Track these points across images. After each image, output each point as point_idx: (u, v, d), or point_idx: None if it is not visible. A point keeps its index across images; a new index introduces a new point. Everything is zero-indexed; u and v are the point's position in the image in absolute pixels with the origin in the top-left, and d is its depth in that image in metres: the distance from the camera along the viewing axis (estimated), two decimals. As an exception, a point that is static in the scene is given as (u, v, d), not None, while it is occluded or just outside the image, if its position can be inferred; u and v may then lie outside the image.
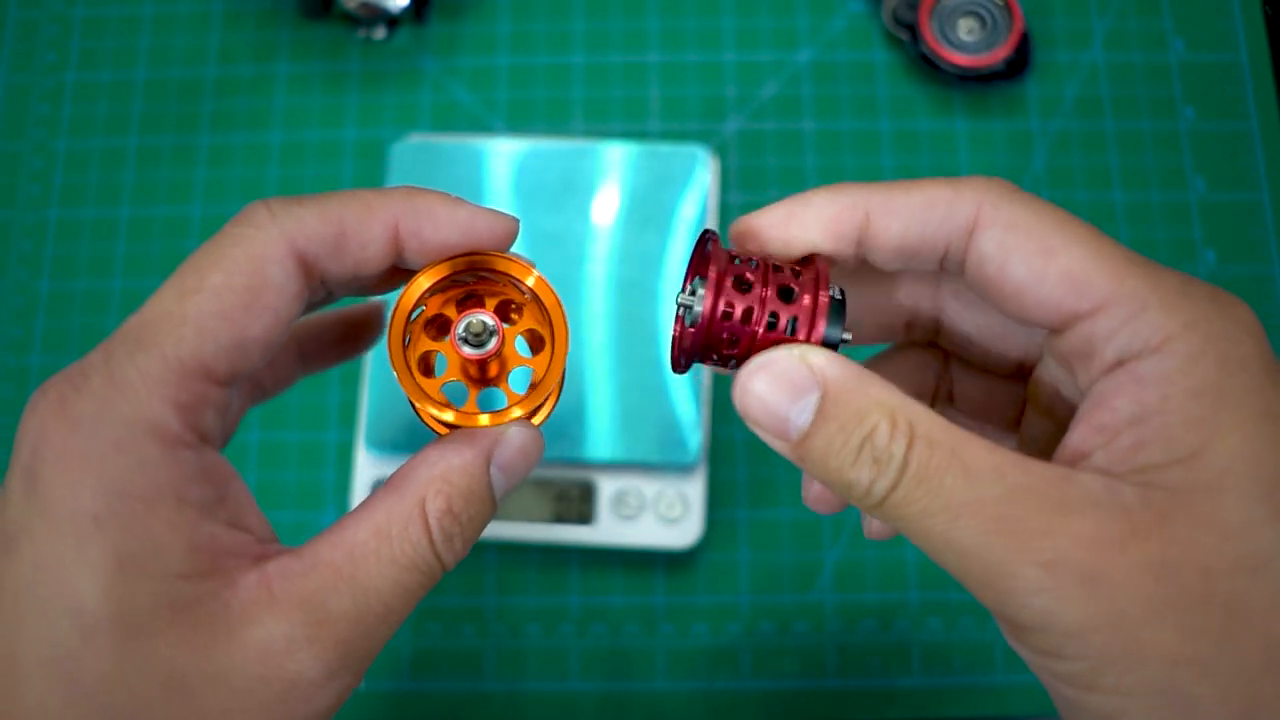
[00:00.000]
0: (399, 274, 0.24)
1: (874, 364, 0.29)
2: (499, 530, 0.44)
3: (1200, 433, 0.20)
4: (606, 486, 0.45)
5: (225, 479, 0.22)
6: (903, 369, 0.28)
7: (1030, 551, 0.19)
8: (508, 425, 0.23)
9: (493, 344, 0.23)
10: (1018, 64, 0.49)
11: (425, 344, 0.24)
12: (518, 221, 0.24)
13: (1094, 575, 0.19)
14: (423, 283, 0.24)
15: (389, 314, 0.24)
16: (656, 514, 0.44)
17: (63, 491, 0.20)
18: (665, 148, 0.47)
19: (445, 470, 0.23)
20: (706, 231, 0.24)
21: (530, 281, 0.24)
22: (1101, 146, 0.50)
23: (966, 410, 0.28)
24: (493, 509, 0.24)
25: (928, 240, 0.23)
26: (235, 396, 0.23)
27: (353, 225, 0.23)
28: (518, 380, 0.25)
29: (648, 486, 0.45)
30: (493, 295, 0.25)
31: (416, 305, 0.24)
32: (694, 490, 0.45)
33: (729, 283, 0.22)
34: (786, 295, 0.23)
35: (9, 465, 0.21)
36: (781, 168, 0.50)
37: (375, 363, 0.45)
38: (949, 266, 0.23)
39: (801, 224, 0.23)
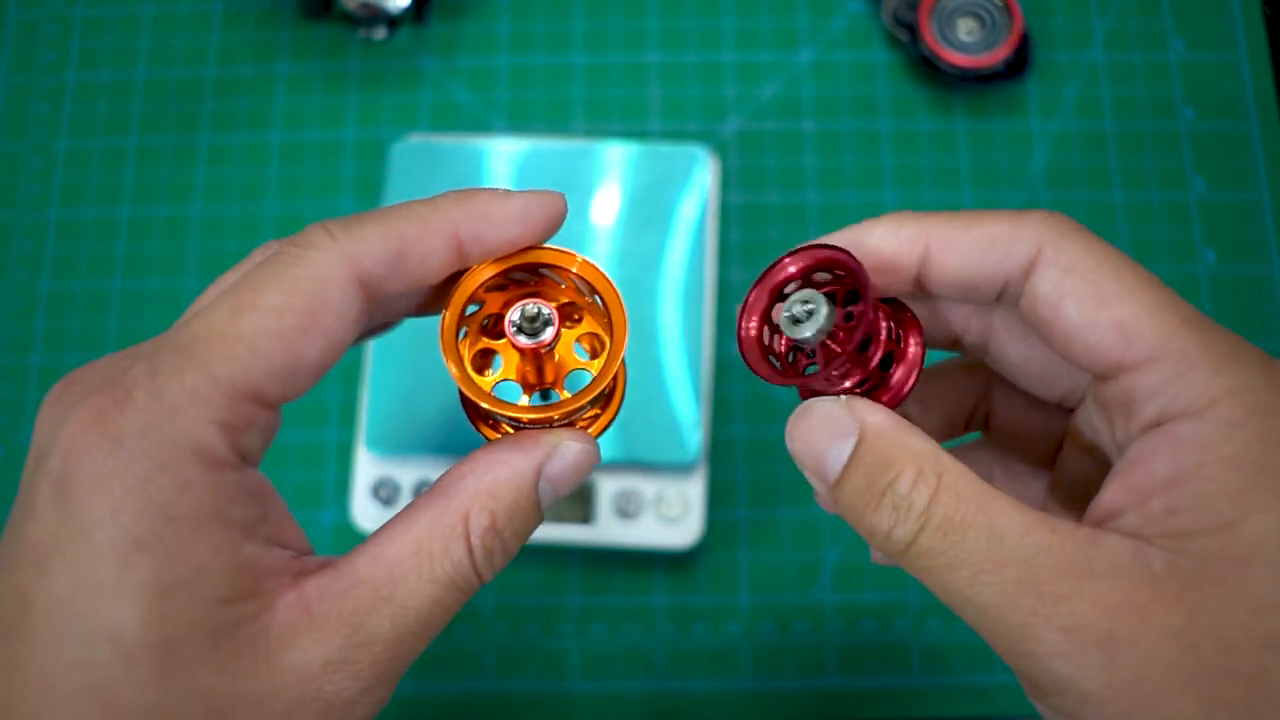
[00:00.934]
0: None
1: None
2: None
3: (1236, 504, 0.19)
4: (606, 486, 0.45)
5: (266, 497, 0.22)
6: (944, 388, 0.28)
7: (1052, 615, 0.19)
8: (563, 438, 0.22)
9: (548, 333, 0.22)
10: (1018, 64, 0.49)
11: (481, 342, 0.23)
12: (563, 196, 0.23)
13: (1115, 642, 0.19)
14: (478, 276, 0.23)
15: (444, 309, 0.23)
16: (656, 514, 0.44)
17: (102, 512, 0.19)
18: (665, 148, 0.47)
19: (492, 484, 0.22)
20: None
21: (575, 269, 0.23)
22: (1101, 146, 0.50)
23: (1000, 437, 0.28)
24: (538, 522, 0.23)
25: (986, 277, 0.23)
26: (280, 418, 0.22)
27: (412, 240, 0.22)
28: (575, 387, 0.24)
29: (648, 486, 0.45)
30: (553, 297, 0.24)
31: (471, 300, 0.23)
32: (694, 490, 0.45)
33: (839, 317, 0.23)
34: (864, 348, 0.23)
35: (30, 474, 0.20)
36: (781, 168, 0.50)
37: (375, 363, 0.45)
38: (1005, 300, 0.23)
39: (861, 254, 0.23)
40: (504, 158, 0.47)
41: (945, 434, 0.29)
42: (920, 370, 0.23)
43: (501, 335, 0.24)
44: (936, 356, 0.27)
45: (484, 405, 0.22)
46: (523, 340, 0.22)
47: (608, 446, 0.44)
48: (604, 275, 0.23)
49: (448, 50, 0.52)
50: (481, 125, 0.51)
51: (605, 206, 0.46)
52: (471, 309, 0.23)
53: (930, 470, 0.21)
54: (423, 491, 0.23)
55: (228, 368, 0.20)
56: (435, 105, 0.52)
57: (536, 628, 0.46)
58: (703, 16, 0.53)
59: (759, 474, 0.47)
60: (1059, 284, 0.22)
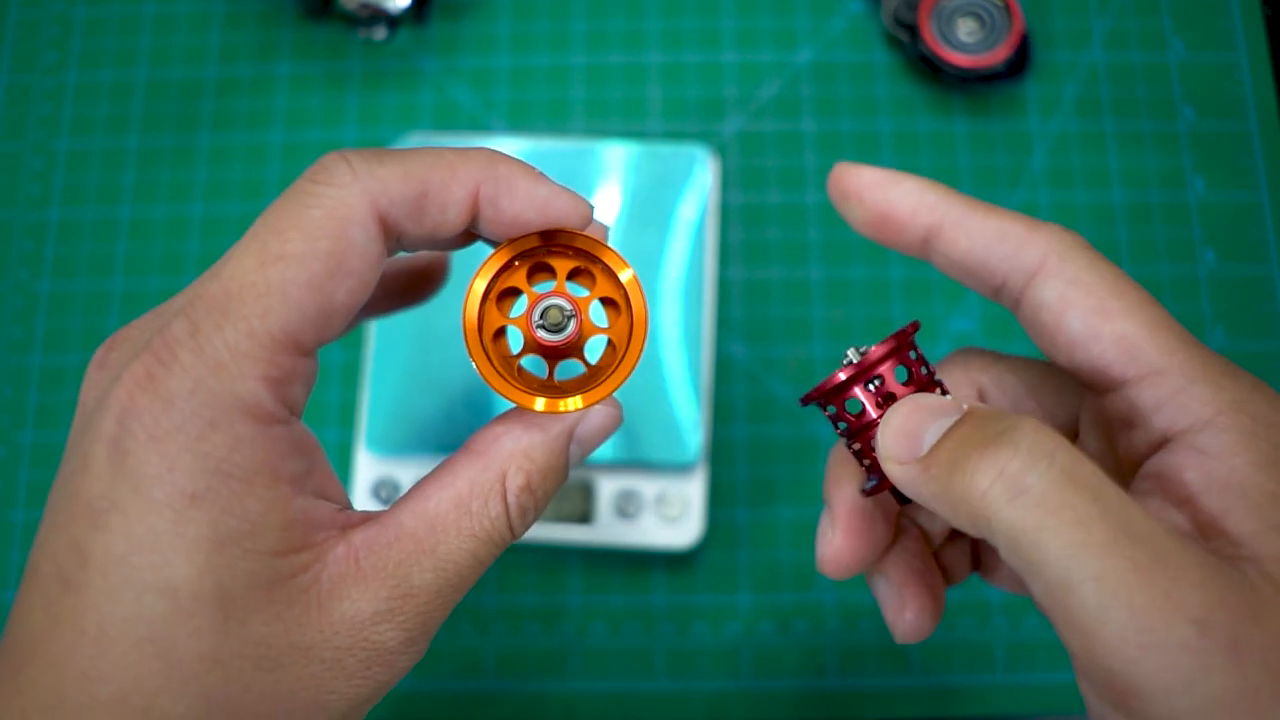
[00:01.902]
0: (469, 236, 0.24)
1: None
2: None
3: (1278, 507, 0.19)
4: (606, 486, 0.45)
5: (311, 450, 0.22)
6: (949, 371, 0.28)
7: (1185, 605, 0.18)
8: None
9: (571, 328, 0.23)
10: (1017, 64, 0.49)
11: (496, 318, 0.24)
12: (593, 208, 0.24)
13: (1238, 644, 0.18)
14: (496, 263, 0.23)
15: (464, 298, 0.23)
16: (656, 514, 0.44)
17: (159, 470, 0.19)
18: (665, 148, 0.47)
19: (529, 446, 0.23)
20: (916, 323, 0.24)
21: (625, 278, 0.23)
22: (1101, 147, 0.50)
23: None
24: (564, 482, 0.24)
25: (990, 269, 0.24)
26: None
27: (435, 187, 0.22)
28: (594, 349, 0.25)
29: (648, 486, 0.45)
30: (562, 262, 0.24)
31: (490, 285, 0.23)
32: (694, 490, 0.45)
33: (888, 365, 0.23)
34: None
35: (78, 434, 0.21)
36: (781, 168, 0.50)
37: (375, 362, 0.45)
38: (1003, 299, 0.24)
39: (886, 197, 0.25)
40: (504, 158, 0.47)
41: None
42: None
43: (511, 302, 0.24)
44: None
45: (517, 404, 0.23)
46: (547, 337, 0.23)
47: (607, 447, 0.44)
48: (639, 290, 0.23)
49: (448, 50, 0.52)
50: (481, 125, 0.51)
51: (605, 206, 0.46)
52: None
53: (1045, 429, 0.19)
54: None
55: (264, 321, 0.20)
56: (435, 105, 0.52)
57: (537, 627, 0.46)
58: (703, 16, 0.53)
59: (759, 474, 0.47)
60: (1064, 294, 0.22)
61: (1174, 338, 0.22)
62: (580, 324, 0.23)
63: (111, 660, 0.19)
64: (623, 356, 0.23)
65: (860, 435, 0.24)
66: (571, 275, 0.24)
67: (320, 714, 0.21)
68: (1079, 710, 0.44)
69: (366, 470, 0.45)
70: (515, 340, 0.24)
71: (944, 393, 0.24)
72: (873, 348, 0.23)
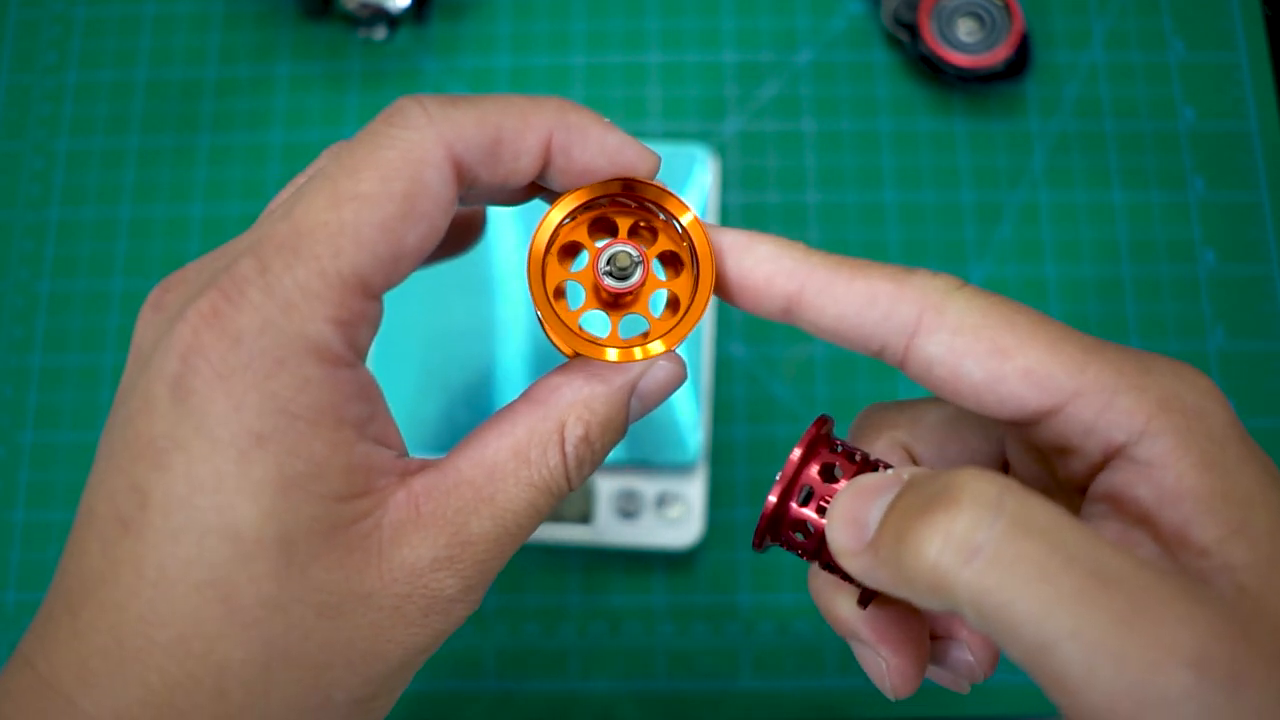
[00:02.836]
0: (531, 189, 0.24)
1: None
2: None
3: (1235, 507, 0.19)
4: (606, 486, 0.45)
5: (374, 395, 0.22)
6: (964, 444, 0.27)
7: (1178, 648, 0.16)
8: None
9: (638, 275, 0.23)
10: (1017, 64, 0.49)
11: (558, 273, 0.23)
12: (658, 159, 0.23)
13: (1239, 676, 0.16)
14: (559, 213, 0.23)
15: (526, 248, 0.23)
16: (656, 514, 0.44)
17: (225, 409, 0.19)
18: (665, 148, 0.47)
19: (589, 397, 0.22)
20: (824, 417, 0.24)
21: (686, 220, 0.23)
22: (1101, 146, 0.50)
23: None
24: (623, 437, 0.23)
25: (864, 335, 0.22)
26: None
27: (509, 133, 0.21)
28: (655, 303, 0.24)
29: (648, 486, 0.45)
30: (624, 217, 0.24)
31: (552, 239, 0.23)
32: (694, 490, 0.45)
33: (812, 470, 0.22)
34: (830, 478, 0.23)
35: (135, 376, 0.20)
36: (781, 168, 0.50)
37: (376, 363, 0.45)
38: (885, 359, 0.23)
39: (739, 263, 0.23)
40: (504, 158, 0.47)
41: None
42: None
43: (573, 259, 0.24)
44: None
45: (587, 355, 0.22)
46: (612, 284, 0.23)
47: (608, 446, 0.44)
48: (704, 232, 0.23)
49: (448, 50, 0.52)
50: (482, 125, 0.51)
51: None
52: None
53: (984, 475, 0.18)
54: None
55: (335, 262, 0.20)
56: (435, 105, 0.52)
57: (537, 627, 0.46)
58: (703, 16, 0.53)
59: (759, 474, 0.47)
60: (952, 346, 0.21)
61: (1079, 351, 0.20)
62: (646, 271, 0.23)
63: (171, 604, 0.19)
64: (690, 302, 0.23)
65: (824, 549, 0.22)
66: (630, 233, 0.24)
67: (378, 663, 0.21)
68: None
69: (366, 470, 0.45)
70: (573, 302, 0.24)
71: (887, 469, 0.23)
72: (789, 458, 0.22)
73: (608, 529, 0.44)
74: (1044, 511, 0.17)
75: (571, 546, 0.45)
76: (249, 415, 0.19)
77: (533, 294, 0.22)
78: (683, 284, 0.23)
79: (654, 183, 0.23)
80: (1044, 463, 0.23)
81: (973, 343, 0.21)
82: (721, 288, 0.23)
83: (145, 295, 0.22)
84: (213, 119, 0.52)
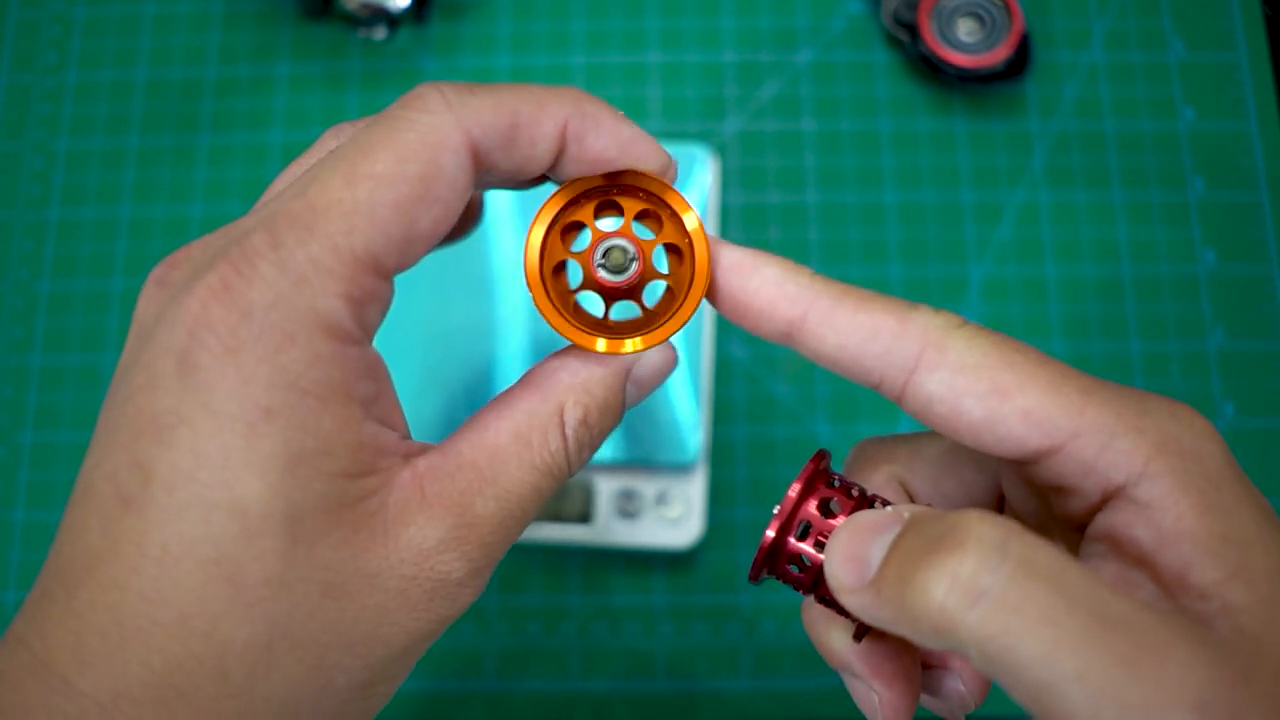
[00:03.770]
0: (541, 175, 0.24)
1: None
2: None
3: (1234, 548, 0.19)
4: (606, 486, 0.45)
5: (380, 375, 0.21)
6: (960, 481, 0.27)
7: (1181, 691, 0.16)
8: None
9: (633, 270, 0.23)
10: (1017, 64, 0.49)
11: (559, 251, 0.23)
12: (674, 163, 0.23)
13: (1241, 718, 0.16)
14: (563, 198, 0.23)
15: (528, 228, 0.23)
16: (656, 514, 0.44)
17: (232, 383, 0.19)
18: (665, 148, 0.47)
19: (587, 380, 0.22)
20: (822, 451, 0.24)
21: (690, 224, 0.23)
22: (1101, 146, 0.50)
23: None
24: (619, 421, 0.24)
25: (864, 366, 0.22)
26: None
27: (526, 120, 0.22)
28: (651, 294, 0.24)
29: (648, 486, 0.45)
30: (632, 203, 0.24)
31: (555, 221, 0.23)
32: (694, 490, 0.45)
33: (810, 506, 0.23)
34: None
35: (136, 351, 0.20)
36: (781, 168, 0.50)
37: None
38: (883, 393, 0.23)
39: (742, 284, 0.23)
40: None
41: None
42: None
43: (575, 235, 0.24)
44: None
45: (576, 343, 0.22)
46: (607, 277, 0.23)
47: (607, 447, 0.44)
48: (704, 237, 0.23)
49: (448, 50, 0.52)
50: (482, 125, 0.51)
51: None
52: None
53: (990, 518, 0.18)
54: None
55: (349, 239, 0.20)
56: (435, 105, 0.52)
57: (537, 627, 0.46)
58: (703, 16, 0.53)
59: (759, 474, 0.47)
60: (952, 384, 0.21)
61: (1077, 393, 0.21)
62: (642, 267, 0.23)
63: (174, 582, 0.18)
64: (681, 302, 0.23)
65: (820, 583, 0.22)
66: (639, 217, 0.24)
67: (380, 647, 0.20)
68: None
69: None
70: (574, 277, 0.24)
71: (885, 505, 0.23)
72: (787, 494, 0.22)
73: (608, 529, 0.44)
74: (1047, 555, 0.18)
75: (571, 546, 0.45)
76: (258, 389, 0.19)
77: (528, 277, 0.23)
78: (682, 276, 0.23)
79: (654, 177, 0.23)
80: (1041, 499, 0.23)
81: (973, 382, 0.21)
82: (723, 307, 0.23)
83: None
84: (213, 119, 0.52)
